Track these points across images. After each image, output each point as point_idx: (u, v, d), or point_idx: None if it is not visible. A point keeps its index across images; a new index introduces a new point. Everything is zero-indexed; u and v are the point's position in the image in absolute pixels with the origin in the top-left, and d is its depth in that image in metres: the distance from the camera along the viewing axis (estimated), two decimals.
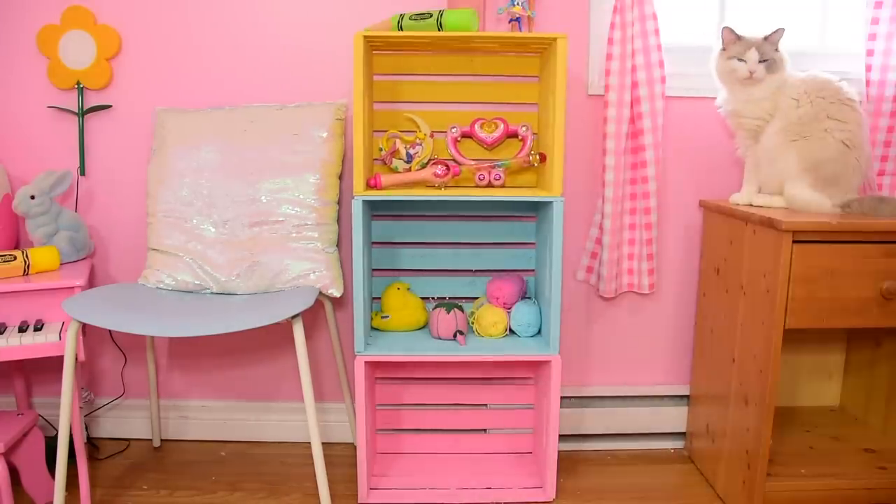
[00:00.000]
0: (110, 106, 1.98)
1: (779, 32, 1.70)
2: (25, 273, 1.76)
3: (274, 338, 2.12)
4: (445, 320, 1.82)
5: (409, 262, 2.00)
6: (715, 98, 1.85)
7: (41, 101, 1.97)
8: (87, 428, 2.09)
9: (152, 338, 2.02)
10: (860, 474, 1.71)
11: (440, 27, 1.68)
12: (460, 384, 2.02)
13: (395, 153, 1.88)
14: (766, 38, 1.71)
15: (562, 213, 1.68)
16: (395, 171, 1.88)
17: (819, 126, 1.67)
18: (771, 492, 1.65)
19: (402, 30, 1.71)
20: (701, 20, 2.06)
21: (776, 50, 1.71)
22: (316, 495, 1.67)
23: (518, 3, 1.79)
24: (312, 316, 2.10)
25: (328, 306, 1.96)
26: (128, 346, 2.09)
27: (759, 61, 1.69)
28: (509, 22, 1.84)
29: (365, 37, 1.66)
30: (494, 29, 1.93)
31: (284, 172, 1.82)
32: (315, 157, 1.83)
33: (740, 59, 1.70)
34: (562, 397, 1.82)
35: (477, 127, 1.90)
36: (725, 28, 1.74)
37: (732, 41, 1.73)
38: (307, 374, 1.61)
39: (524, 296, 1.95)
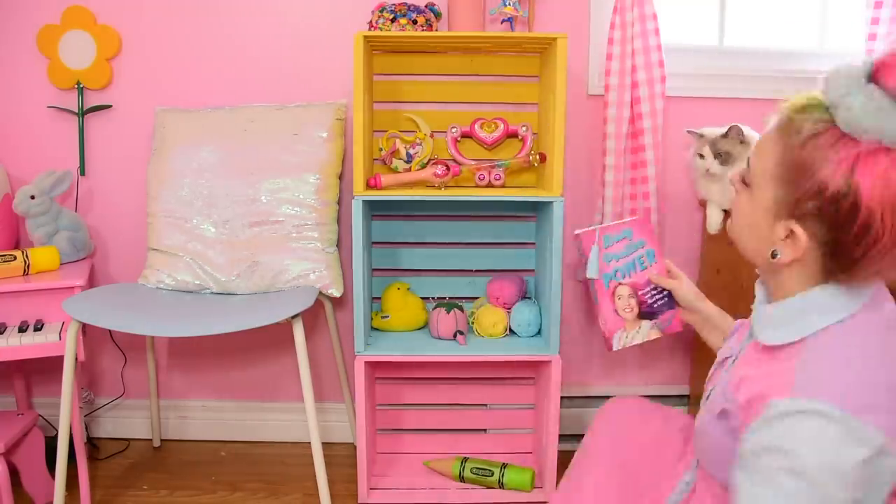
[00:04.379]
0: (110, 106, 1.98)
1: (734, 129, 1.69)
2: (25, 273, 1.76)
3: (274, 338, 2.12)
4: (445, 320, 1.82)
5: (409, 262, 2.00)
6: (714, 98, 1.85)
7: (41, 101, 1.97)
8: (87, 428, 2.08)
9: (152, 338, 2.02)
10: None
11: (501, 485, 1.83)
12: (460, 384, 2.02)
13: (395, 153, 1.88)
14: (723, 136, 1.71)
15: (562, 213, 1.68)
16: (395, 171, 1.88)
17: None
18: None
19: (463, 480, 1.85)
20: (701, 20, 2.06)
21: (741, 142, 1.69)
22: (316, 495, 1.67)
23: (510, 4, 1.78)
24: (312, 316, 2.10)
25: (328, 306, 1.96)
26: (128, 346, 2.09)
27: (715, 156, 1.71)
28: (501, 22, 1.84)
29: (365, 37, 1.66)
30: (494, 29, 1.93)
31: (284, 172, 1.82)
32: (315, 157, 1.83)
33: (701, 156, 1.75)
34: (562, 397, 1.81)
35: (477, 127, 1.90)
36: (688, 130, 1.79)
37: (695, 138, 1.78)
38: (307, 374, 1.61)
39: (524, 296, 1.95)
